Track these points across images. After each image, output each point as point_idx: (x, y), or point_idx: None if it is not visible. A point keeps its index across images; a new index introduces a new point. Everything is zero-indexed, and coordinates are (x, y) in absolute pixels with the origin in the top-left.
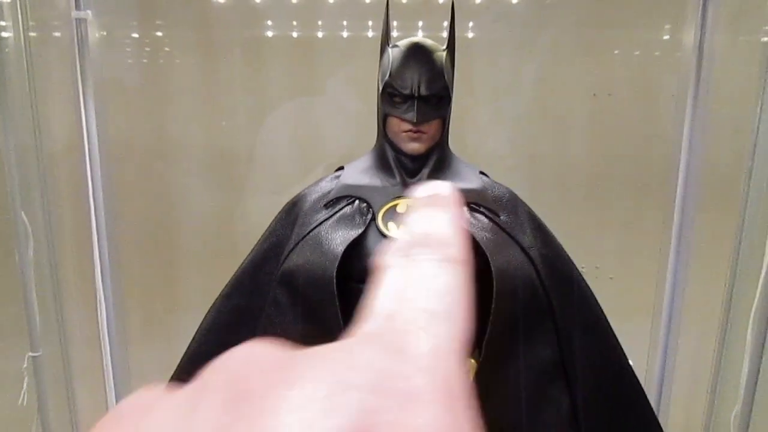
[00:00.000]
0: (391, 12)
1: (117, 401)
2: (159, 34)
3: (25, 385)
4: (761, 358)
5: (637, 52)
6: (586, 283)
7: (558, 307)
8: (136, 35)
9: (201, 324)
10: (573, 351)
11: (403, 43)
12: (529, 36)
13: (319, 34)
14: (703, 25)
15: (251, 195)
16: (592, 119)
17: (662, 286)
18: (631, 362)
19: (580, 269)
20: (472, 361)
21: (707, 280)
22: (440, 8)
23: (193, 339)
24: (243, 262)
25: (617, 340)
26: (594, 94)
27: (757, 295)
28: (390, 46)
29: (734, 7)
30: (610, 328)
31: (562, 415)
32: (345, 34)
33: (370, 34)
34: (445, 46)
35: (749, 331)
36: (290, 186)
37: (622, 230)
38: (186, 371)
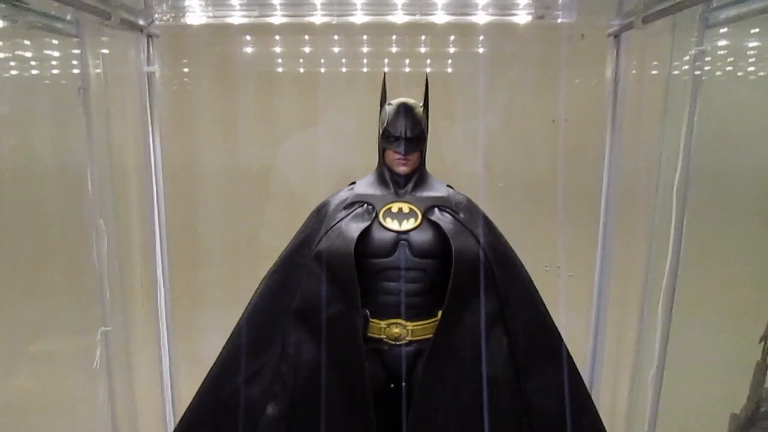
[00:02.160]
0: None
1: (171, 369)
2: (185, 70)
3: (98, 353)
4: (669, 331)
5: (586, 84)
6: (519, 260)
7: (498, 275)
8: (165, 71)
9: (255, 292)
10: (510, 305)
11: (395, 102)
12: (497, 70)
13: (322, 70)
14: (617, 63)
15: (261, 206)
16: (551, 141)
17: (592, 277)
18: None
19: (544, 269)
20: (440, 312)
21: (630, 269)
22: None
23: (250, 302)
24: (285, 248)
25: (541, 298)
26: (553, 120)
27: (664, 284)
28: (386, 104)
29: (639, 48)
30: (536, 290)
31: (503, 348)
32: (344, 69)
33: (365, 70)
34: (422, 104)
35: (659, 310)
36: (293, 198)
37: (578, 235)
38: (246, 324)
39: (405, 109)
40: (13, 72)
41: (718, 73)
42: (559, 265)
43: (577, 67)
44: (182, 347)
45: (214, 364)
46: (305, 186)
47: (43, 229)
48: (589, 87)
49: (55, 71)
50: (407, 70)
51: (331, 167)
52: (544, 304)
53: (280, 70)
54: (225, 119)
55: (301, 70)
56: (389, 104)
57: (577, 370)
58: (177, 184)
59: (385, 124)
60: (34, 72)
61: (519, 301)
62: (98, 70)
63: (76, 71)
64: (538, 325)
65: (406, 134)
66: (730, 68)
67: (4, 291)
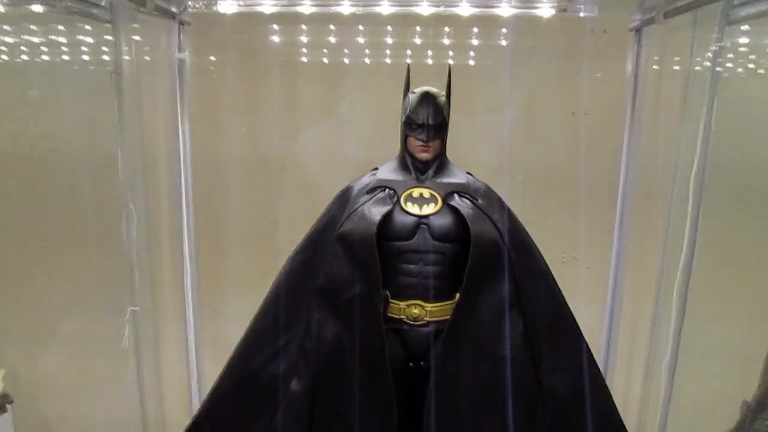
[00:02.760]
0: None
1: (196, 348)
2: (212, 58)
3: (126, 331)
4: (683, 320)
5: (606, 78)
6: (537, 247)
7: (515, 259)
8: (193, 58)
9: (281, 270)
10: (526, 289)
11: (418, 90)
12: (518, 63)
13: (346, 60)
14: (637, 57)
15: (284, 193)
16: (571, 134)
17: (608, 268)
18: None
19: (561, 260)
20: (458, 294)
21: (645, 261)
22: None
23: (275, 281)
24: (309, 229)
25: (556, 283)
26: (573, 113)
27: (678, 275)
28: (410, 92)
29: (660, 43)
30: (552, 276)
31: (518, 330)
32: (368, 60)
33: (388, 61)
34: (444, 93)
35: (674, 300)
36: (319, 187)
37: (596, 227)
38: (271, 302)
39: (428, 98)
40: (47, 57)
41: (739, 70)
42: (576, 256)
43: (598, 61)
44: (207, 331)
45: (240, 341)
46: (326, 176)
47: (74, 211)
48: (610, 81)
49: (87, 57)
50: (430, 62)
51: (352, 158)
52: (559, 289)
53: (304, 60)
54: (250, 108)
55: (326, 60)
56: (412, 92)
57: (591, 353)
58: (203, 170)
59: (408, 112)
60: (67, 57)
61: (535, 286)
62: (129, 57)
63: (107, 57)
64: (553, 308)
65: (428, 122)
66: (751, 65)
67: (36, 272)
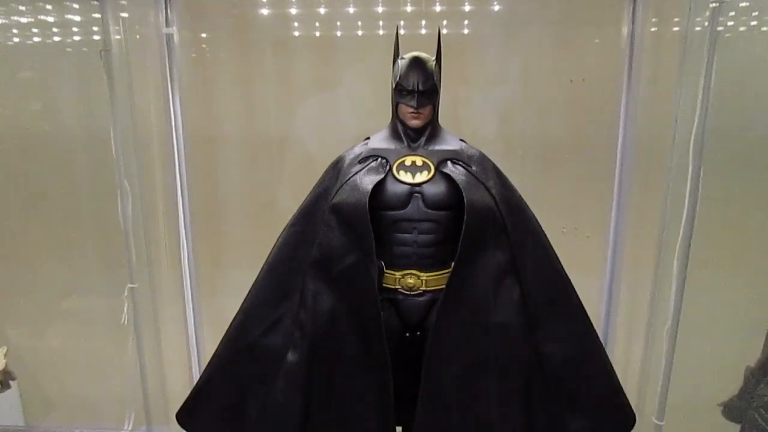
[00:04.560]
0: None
1: (195, 321)
2: (203, 35)
3: (125, 308)
4: (684, 286)
5: (603, 43)
6: (532, 213)
7: (510, 227)
8: (185, 35)
9: (275, 243)
10: (521, 255)
11: (408, 56)
12: (514, 31)
13: (338, 33)
14: (633, 20)
15: (280, 170)
16: (569, 102)
17: (607, 236)
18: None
19: (561, 231)
20: (452, 263)
21: (645, 228)
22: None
23: (270, 254)
24: (303, 201)
25: (553, 251)
26: (570, 80)
27: (679, 240)
28: (399, 58)
29: (658, 3)
30: (549, 243)
31: (513, 300)
32: (360, 32)
33: (381, 32)
34: (435, 58)
35: (674, 266)
36: (312, 162)
37: (595, 196)
38: (266, 274)
39: (417, 63)
40: (38, 39)
41: (742, 28)
42: (576, 226)
43: (595, 26)
44: (206, 308)
45: (237, 313)
46: (322, 150)
47: (69, 191)
48: (608, 46)
49: (77, 36)
50: (423, 31)
51: (347, 131)
52: (555, 255)
53: (296, 34)
54: (243, 83)
55: (317, 34)
56: (402, 58)
57: (589, 319)
58: (198, 147)
59: (397, 78)
60: (57, 38)
61: (530, 252)
62: (118, 37)
63: (97, 37)
64: (548, 274)
65: (418, 87)
66: (753, 22)
67: (33, 252)
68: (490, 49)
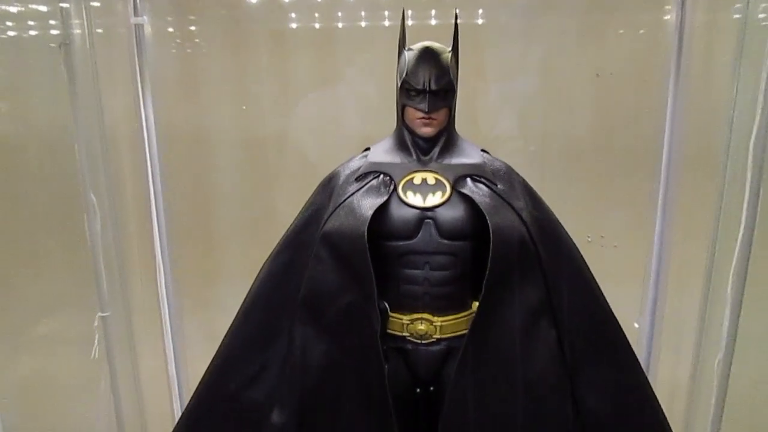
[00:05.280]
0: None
1: (175, 354)
2: (192, 28)
3: (96, 341)
4: (740, 310)
5: (636, 33)
6: (571, 239)
7: (545, 257)
8: (171, 29)
9: (257, 275)
10: (558, 293)
11: (417, 47)
12: (534, 20)
13: (339, 25)
14: (682, 5)
15: (281, 175)
16: (594, 98)
17: (650, 250)
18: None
19: (586, 239)
20: (476, 303)
21: (691, 242)
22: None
23: (251, 289)
24: (289, 227)
25: (597, 285)
26: (597, 75)
27: (736, 254)
28: (406, 49)
29: None
30: (591, 275)
31: (549, 347)
32: (363, 24)
33: (386, 23)
34: (450, 48)
35: (729, 287)
36: (315, 167)
37: (625, 202)
38: (246, 315)
39: (429, 55)
40: None
41: None
42: (602, 234)
43: (624, 13)
44: (197, 329)
45: (212, 362)
46: (322, 154)
47: (32, 205)
48: (638, 36)
49: (36, 31)
50: (433, 22)
51: (350, 132)
52: (599, 287)
53: (293, 25)
54: (234, 80)
55: (316, 25)
56: (409, 49)
57: (639, 365)
58: (183, 152)
59: (404, 75)
60: (12, 33)
61: (570, 287)
62: (80, 31)
63: (55, 32)
64: (591, 313)
65: (430, 86)
66: None
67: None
68: (508, 40)
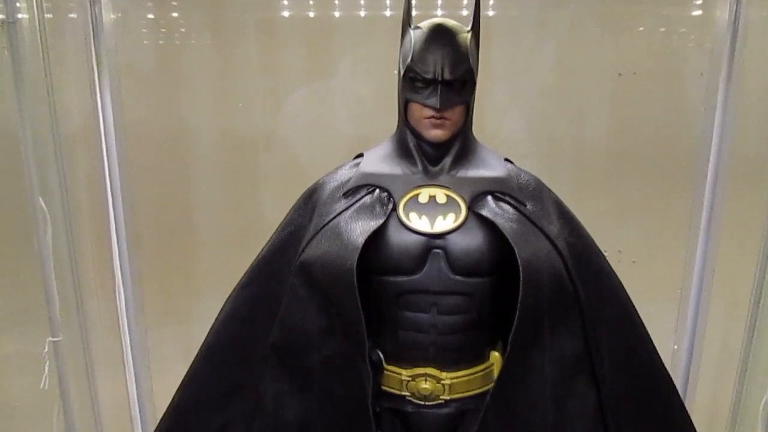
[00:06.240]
0: None
1: (137, 384)
2: (174, 14)
3: (46, 369)
4: None
5: (663, 29)
6: (615, 274)
7: (585, 300)
8: (151, 16)
9: (219, 314)
10: (600, 345)
11: (426, 24)
12: (549, 13)
13: (336, 14)
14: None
15: (264, 178)
16: (616, 100)
17: (690, 271)
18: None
19: (603, 253)
20: (496, 354)
21: (736, 264)
22: None
23: (211, 329)
24: (261, 251)
25: (648, 334)
26: (619, 74)
27: None
28: (411, 27)
29: None
30: (640, 321)
31: (587, 409)
32: (363, 13)
33: (388, 13)
34: (469, 27)
35: None
36: (306, 170)
37: (646, 214)
38: (205, 361)
39: (442, 35)
40: None
41: None
42: (620, 249)
43: (648, 6)
44: (164, 356)
45: (162, 417)
46: (314, 156)
47: None
48: (665, 32)
49: None
50: (439, 12)
51: (346, 133)
52: (646, 331)
53: (285, 14)
54: (219, 74)
55: (311, 14)
56: (417, 28)
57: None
58: (158, 153)
59: (409, 60)
60: None
61: (613, 337)
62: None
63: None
64: (640, 370)
65: (443, 76)
66: None
67: None
68: (519, 34)
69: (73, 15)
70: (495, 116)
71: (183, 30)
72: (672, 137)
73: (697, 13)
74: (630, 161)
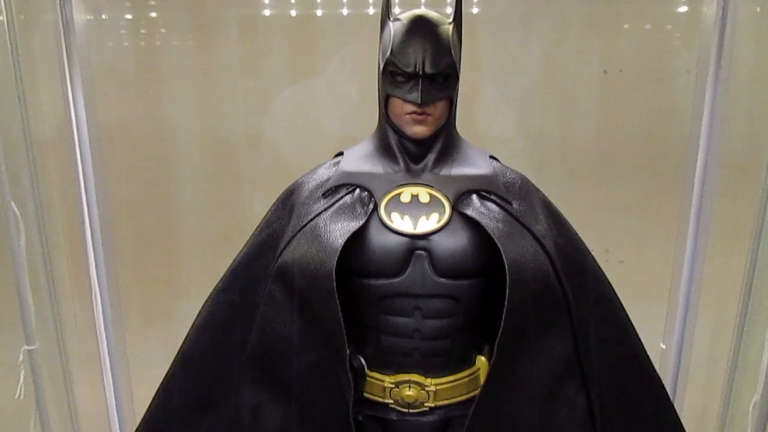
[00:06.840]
0: None
1: (115, 392)
2: (153, 14)
3: (21, 378)
4: None
5: (649, 26)
6: (604, 274)
7: (573, 301)
8: (127, 15)
9: (195, 320)
10: (590, 348)
11: (406, 16)
12: (534, 10)
13: (319, 12)
14: None
15: (249, 180)
16: (602, 97)
17: (679, 270)
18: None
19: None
20: (482, 358)
21: (725, 264)
22: None
23: (187, 336)
24: (238, 255)
25: (637, 334)
26: (605, 71)
27: None
28: (391, 19)
29: None
30: (629, 322)
31: (577, 415)
32: (345, 11)
33: (371, 11)
34: (451, 19)
35: None
36: (290, 170)
37: (633, 213)
38: (180, 370)
39: (423, 27)
40: None
41: None
42: (607, 248)
43: (633, 3)
44: (145, 364)
45: (137, 430)
46: (298, 156)
47: None
48: (652, 29)
49: None
50: (422, 9)
51: (331, 132)
52: (636, 333)
53: (267, 12)
54: (199, 74)
55: (293, 12)
56: (396, 19)
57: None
58: (136, 155)
59: (388, 53)
60: None
61: (603, 338)
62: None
63: None
64: (630, 373)
65: (424, 69)
66: None
67: None
68: (505, 32)
69: (46, 16)
70: (481, 114)
71: (163, 30)
72: (660, 135)
73: (684, 9)
74: (617, 159)
